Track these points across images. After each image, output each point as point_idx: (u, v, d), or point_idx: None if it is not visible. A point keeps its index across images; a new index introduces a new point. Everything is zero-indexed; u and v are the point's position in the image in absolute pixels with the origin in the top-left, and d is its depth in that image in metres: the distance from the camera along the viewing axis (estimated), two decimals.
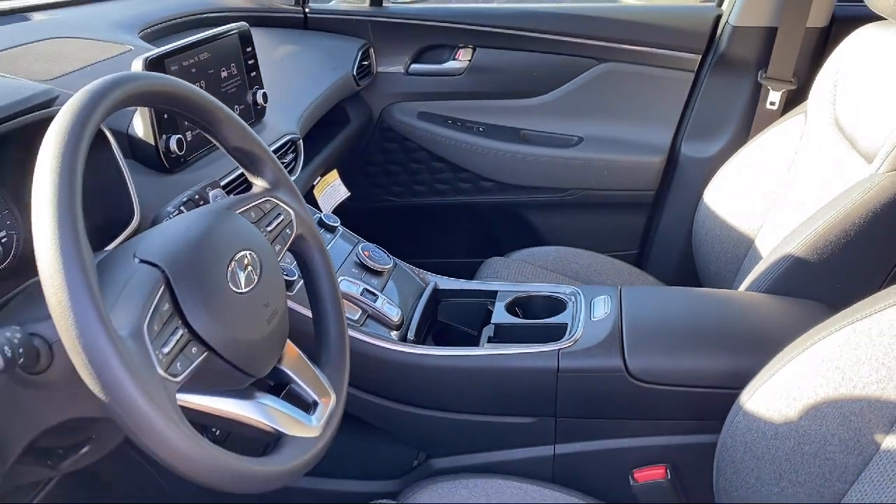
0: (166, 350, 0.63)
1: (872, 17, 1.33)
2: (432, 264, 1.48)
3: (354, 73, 1.87)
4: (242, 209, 0.81)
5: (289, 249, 0.88)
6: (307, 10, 2.03)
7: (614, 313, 1.17)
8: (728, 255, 1.51)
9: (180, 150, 1.07)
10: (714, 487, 0.96)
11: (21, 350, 0.63)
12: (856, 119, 1.28)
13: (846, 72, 1.35)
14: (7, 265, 0.87)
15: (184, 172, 1.10)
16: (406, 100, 2.05)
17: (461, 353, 1.15)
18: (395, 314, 1.22)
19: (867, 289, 0.90)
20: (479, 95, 2.03)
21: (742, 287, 1.29)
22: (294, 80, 1.68)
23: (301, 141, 1.42)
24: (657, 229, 1.97)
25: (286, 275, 1.12)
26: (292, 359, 0.82)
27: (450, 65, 2.03)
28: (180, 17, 1.71)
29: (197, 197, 1.03)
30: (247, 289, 0.73)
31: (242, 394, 0.73)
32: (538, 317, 1.24)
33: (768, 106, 1.80)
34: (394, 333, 1.20)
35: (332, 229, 1.35)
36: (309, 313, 0.92)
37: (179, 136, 1.07)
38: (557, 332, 1.16)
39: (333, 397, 0.83)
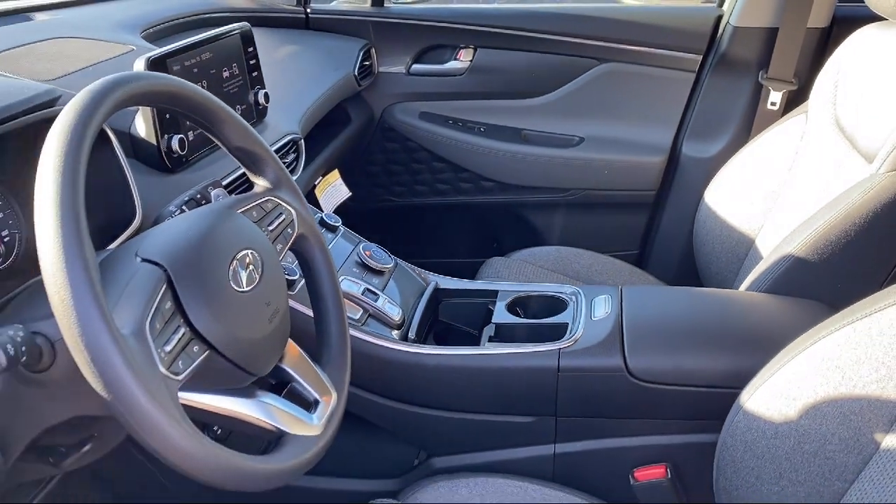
0: (168, 348, 0.64)
1: (873, 18, 1.34)
2: (433, 264, 1.49)
3: (356, 74, 1.87)
4: (244, 208, 0.81)
5: (290, 249, 0.88)
6: (309, 10, 2.03)
7: (615, 313, 1.18)
8: (729, 255, 1.51)
9: (182, 150, 1.07)
10: (714, 487, 0.96)
11: (24, 348, 0.63)
12: (856, 119, 1.28)
13: (847, 72, 1.36)
14: (9, 264, 0.88)
15: (185, 172, 1.10)
16: (407, 100, 2.06)
17: (462, 353, 1.15)
18: (396, 314, 1.22)
19: (867, 289, 0.90)
20: (481, 95, 2.03)
21: (742, 287, 1.29)
22: (295, 80, 1.68)
23: (302, 141, 1.43)
24: (658, 229, 1.97)
25: (288, 274, 1.12)
26: (294, 357, 0.82)
27: (451, 65, 2.03)
28: (182, 18, 1.72)
29: (199, 196, 1.03)
30: (248, 288, 0.74)
31: (244, 392, 0.74)
32: (539, 316, 1.24)
33: (769, 106, 1.80)
34: (395, 333, 1.21)
35: (333, 229, 1.35)
36: (310, 312, 0.92)
37: (181, 135, 1.07)
38: (558, 332, 1.16)
39: (335, 396, 0.83)
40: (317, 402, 0.81)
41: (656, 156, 1.93)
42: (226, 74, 1.25)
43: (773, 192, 1.46)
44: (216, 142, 0.83)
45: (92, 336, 0.57)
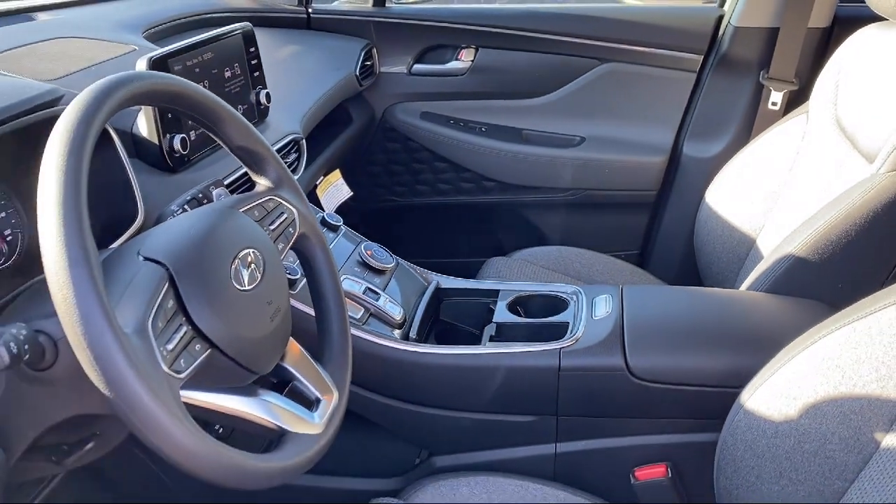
0: (170, 347, 0.64)
1: (874, 18, 1.34)
2: (435, 264, 1.49)
3: (357, 74, 1.88)
4: (246, 208, 0.82)
5: (292, 248, 0.88)
6: (310, 10, 2.04)
7: (615, 312, 1.18)
8: (730, 255, 1.51)
9: (184, 150, 1.07)
10: (714, 486, 0.96)
11: (26, 347, 0.64)
12: (857, 119, 1.28)
13: (848, 72, 1.36)
14: (12, 263, 0.88)
15: (187, 171, 1.10)
16: (409, 100, 2.06)
17: (463, 352, 1.16)
18: (397, 313, 1.22)
19: (868, 288, 0.90)
20: (482, 95, 2.03)
21: (743, 286, 1.29)
22: (297, 80, 1.68)
23: (304, 140, 1.43)
24: (659, 229, 1.97)
25: (289, 273, 1.12)
26: (295, 356, 0.82)
27: (452, 65, 2.04)
28: (184, 18, 1.72)
29: (201, 196, 1.03)
30: (250, 286, 0.74)
31: (245, 391, 0.74)
32: (540, 316, 1.24)
33: (770, 106, 1.80)
34: (396, 332, 1.21)
35: (334, 228, 1.36)
36: (312, 311, 0.93)
37: (183, 135, 1.07)
38: (559, 331, 1.17)
39: (336, 395, 0.83)
40: (318, 401, 0.81)
41: (657, 156, 1.93)
42: (227, 74, 1.25)
43: (774, 192, 1.46)
44: (218, 141, 0.83)
45: (94, 334, 0.57)
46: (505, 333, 1.21)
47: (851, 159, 1.28)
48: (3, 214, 0.88)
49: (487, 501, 1.05)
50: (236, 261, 0.73)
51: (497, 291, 1.31)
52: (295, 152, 1.41)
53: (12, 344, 0.62)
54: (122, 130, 1.04)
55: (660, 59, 1.92)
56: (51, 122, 0.66)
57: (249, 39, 1.32)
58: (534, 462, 1.17)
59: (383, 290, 1.26)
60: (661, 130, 1.94)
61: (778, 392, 0.87)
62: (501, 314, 1.24)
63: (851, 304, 0.86)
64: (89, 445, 0.78)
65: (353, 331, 1.14)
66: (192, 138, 1.10)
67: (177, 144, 1.06)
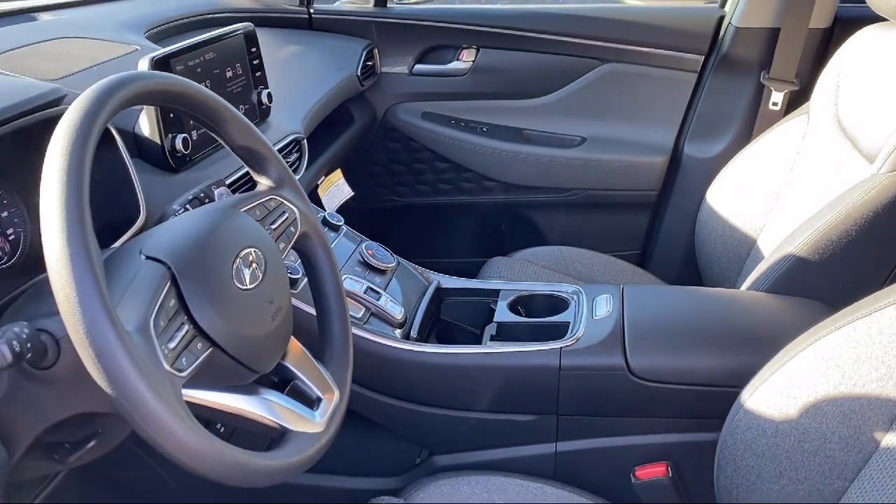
0: (172, 345, 0.64)
1: (874, 18, 1.34)
2: (436, 264, 1.49)
3: (359, 74, 1.88)
4: (247, 207, 0.82)
5: (293, 247, 0.88)
6: (312, 10, 2.04)
7: (616, 312, 1.18)
8: (731, 255, 1.52)
9: (186, 149, 1.08)
10: (715, 485, 0.96)
11: (29, 345, 0.64)
12: (858, 119, 1.28)
13: (848, 72, 1.36)
14: (15, 262, 0.88)
15: (189, 171, 1.10)
16: (410, 100, 2.06)
17: (464, 352, 1.16)
18: (398, 312, 1.22)
19: (868, 288, 0.90)
20: (483, 96, 2.03)
21: (744, 286, 1.29)
22: (299, 80, 1.69)
23: (305, 140, 1.43)
24: (660, 229, 1.97)
25: (291, 273, 1.13)
26: (296, 355, 0.82)
27: (453, 65, 2.04)
28: (186, 18, 1.72)
29: (202, 195, 1.04)
30: (251, 285, 0.74)
31: (247, 389, 0.74)
32: (540, 316, 1.24)
33: (771, 106, 1.81)
34: (397, 331, 1.21)
35: (335, 228, 1.36)
36: (313, 311, 0.93)
37: (185, 135, 1.07)
38: (559, 331, 1.17)
39: (337, 393, 0.83)
40: (319, 400, 0.81)
41: (658, 156, 1.93)
42: (229, 74, 1.25)
43: (775, 192, 1.46)
44: (220, 141, 0.83)
45: (96, 333, 0.57)
46: (505, 333, 1.21)
47: (852, 159, 1.28)
48: (5, 214, 0.88)
49: (488, 500, 1.05)
50: (238, 260, 0.74)
51: (498, 291, 1.31)
52: (296, 152, 1.41)
53: (14, 342, 0.62)
54: (124, 130, 1.04)
55: (661, 60, 1.93)
56: (53, 121, 0.67)
57: (251, 39, 1.32)
58: (534, 461, 1.17)
59: (384, 289, 1.27)
60: (661, 130, 1.94)
61: (778, 391, 0.87)
62: (502, 314, 1.24)
63: (852, 304, 0.86)
64: (91, 444, 0.78)
65: (354, 330, 1.15)
66: (194, 138, 1.11)
67: (178, 144, 1.06)
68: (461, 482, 1.07)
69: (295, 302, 1.10)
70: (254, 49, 1.33)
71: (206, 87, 1.08)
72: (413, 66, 2.05)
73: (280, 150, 1.33)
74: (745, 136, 1.83)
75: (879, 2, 1.26)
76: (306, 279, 0.94)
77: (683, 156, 1.91)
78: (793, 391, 0.86)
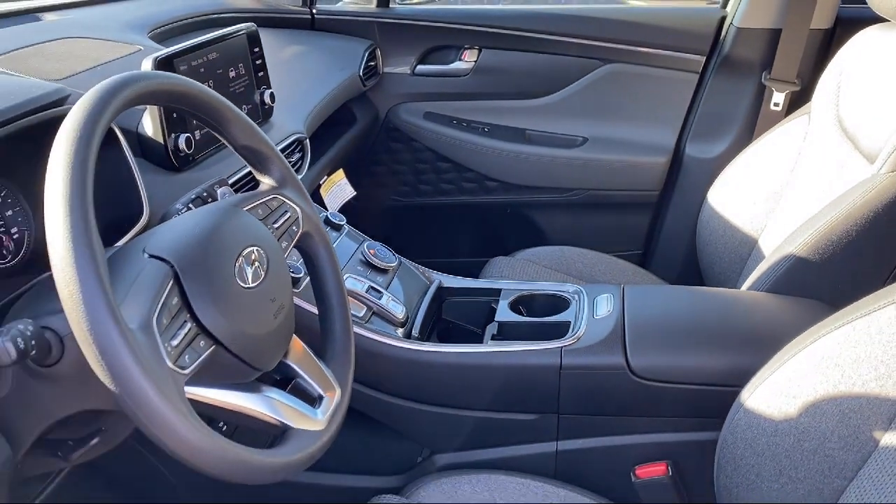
0: (175, 343, 0.64)
1: (876, 19, 1.34)
2: (437, 263, 1.49)
3: (361, 74, 1.88)
4: (250, 206, 0.82)
5: (295, 246, 0.89)
6: (314, 10, 2.04)
7: (617, 311, 1.18)
8: (732, 255, 1.52)
9: (189, 149, 1.08)
10: (715, 484, 0.96)
11: (33, 342, 0.64)
12: (858, 120, 1.29)
13: (849, 73, 1.36)
14: (19, 261, 0.89)
15: (192, 170, 1.11)
16: (412, 100, 2.07)
17: (465, 351, 1.16)
18: (399, 311, 1.23)
19: (869, 288, 0.90)
20: (485, 96, 2.04)
21: (745, 286, 1.29)
22: (301, 80, 1.69)
23: (308, 140, 1.43)
24: (661, 229, 1.98)
25: (293, 272, 1.13)
26: (298, 353, 0.83)
27: (455, 65, 2.04)
28: (189, 18, 1.73)
29: (205, 194, 1.04)
30: (254, 284, 0.75)
31: (249, 387, 0.75)
32: (541, 315, 1.24)
33: (772, 107, 1.81)
34: (399, 331, 1.22)
35: (338, 227, 1.36)
36: (315, 310, 0.93)
37: (188, 134, 1.08)
38: (560, 330, 1.17)
39: (338, 391, 0.84)
40: (321, 398, 0.81)
41: (660, 156, 1.93)
42: (232, 74, 1.26)
43: (776, 192, 1.46)
44: (222, 141, 0.84)
45: (100, 330, 0.57)
46: (507, 332, 1.21)
47: (853, 160, 1.28)
48: (9, 213, 0.89)
49: (489, 499, 1.05)
50: (240, 258, 0.74)
51: (499, 290, 1.31)
52: (299, 152, 1.41)
53: (19, 339, 0.63)
54: (128, 130, 1.04)
55: (662, 60, 1.93)
56: (57, 121, 0.67)
57: (254, 40, 1.33)
58: (535, 460, 1.17)
59: (386, 288, 1.27)
60: (663, 131, 1.94)
61: (778, 391, 0.88)
62: (503, 313, 1.24)
63: (852, 304, 0.87)
64: (94, 441, 0.79)
65: (356, 329, 1.15)
66: (197, 138, 1.11)
67: (182, 144, 1.07)
68: (462, 481, 1.08)
69: (297, 301, 1.11)
70: (256, 49, 1.33)
71: (209, 87, 1.08)
72: (415, 66, 2.05)
73: (282, 150, 1.33)
74: (747, 136, 1.83)
75: (880, 3, 1.26)
76: (308, 278, 0.94)
77: (685, 156, 1.91)
78: (792, 390, 0.86)
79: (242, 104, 1.28)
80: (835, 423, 0.81)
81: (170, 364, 0.63)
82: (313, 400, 0.81)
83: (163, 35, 1.59)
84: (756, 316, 1.19)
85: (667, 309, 1.22)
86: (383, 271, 1.32)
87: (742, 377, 0.94)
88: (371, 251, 1.33)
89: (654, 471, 1.13)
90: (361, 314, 1.19)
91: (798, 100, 1.76)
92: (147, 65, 1.07)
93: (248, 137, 0.84)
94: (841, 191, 1.20)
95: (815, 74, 1.60)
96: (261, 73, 1.34)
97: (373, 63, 1.98)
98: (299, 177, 1.07)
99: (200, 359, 0.67)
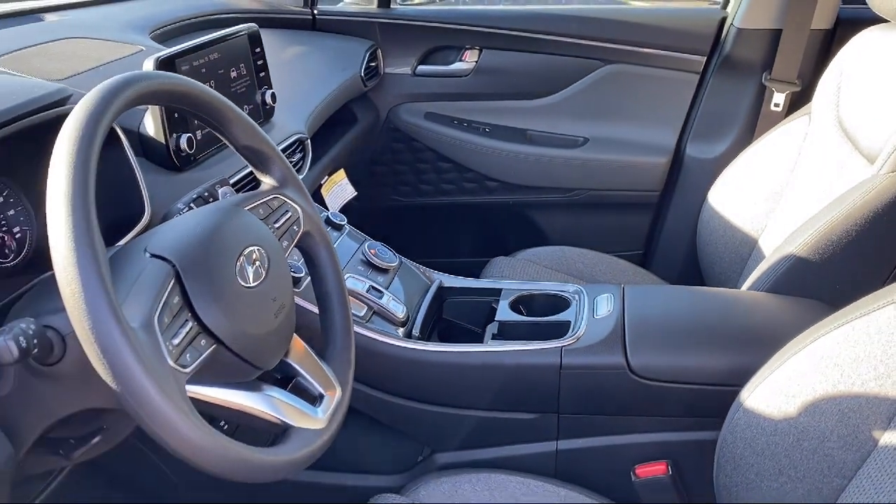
0: (176, 342, 0.65)
1: (876, 20, 1.34)
2: (438, 263, 1.50)
3: (362, 74, 1.89)
4: (251, 206, 0.82)
5: (296, 246, 0.89)
6: (315, 11, 2.04)
7: (617, 311, 1.19)
8: (732, 256, 1.52)
9: (190, 149, 1.08)
10: (714, 483, 0.96)
11: (35, 341, 0.64)
12: (859, 120, 1.29)
13: (850, 74, 1.36)
14: (21, 260, 0.89)
15: (194, 170, 1.11)
16: (413, 100, 2.07)
17: (465, 350, 1.16)
18: (400, 311, 1.23)
19: (868, 288, 0.90)
20: (486, 96, 2.04)
21: (745, 286, 1.29)
22: (302, 80, 1.70)
23: (309, 140, 1.44)
24: (662, 230, 1.98)
25: (293, 271, 1.13)
26: (299, 352, 0.83)
27: (456, 66, 2.04)
28: (190, 19, 1.73)
29: (206, 194, 1.04)
30: (255, 283, 0.75)
31: (250, 386, 0.75)
32: (542, 315, 1.25)
33: (772, 107, 1.81)
34: (399, 330, 1.22)
35: (338, 227, 1.37)
36: (316, 309, 0.94)
37: (189, 134, 1.08)
38: (560, 330, 1.17)
39: (339, 390, 0.84)
40: (321, 396, 0.82)
41: (660, 156, 1.93)
42: (233, 74, 1.26)
43: (777, 192, 1.46)
44: (224, 141, 0.84)
45: (102, 329, 0.58)
46: (507, 332, 1.21)
47: (853, 160, 1.28)
48: (12, 212, 0.89)
49: (489, 498, 1.05)
50: (241, 258, 0.74)
51: (499, 290, 1.32)
52: (300, 152, 1.42)
53: (21, 338, 0.63)
54: (129, 130, 1.05)
55: (663, 61, 1.93)
56: (59, 121, 0.67)
57: (255, 40, 1.33)
58: (535, 459, 1.18)
59: (387, 288, 1.27)
60: (664, 131, 1.94)
61: (777, 390, 0.88)
62: (503, 313, 1.25)
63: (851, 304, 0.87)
64: (96, 439, 0.79)
65: (357, 328, 1.15)
66: (199, 138, 1.11)
67: (183, 144, 1.07)
68: (462, 480, 1.08)
69: (298, 300, 1.11)
70: (258, 49, 1.34)
71: (211, 87, 1.08)
72: (416, 66, 2.05)
73: (284, 150, 1.33)
74: (747, 136, 1.84)
75: (881, 3, 1.27)
76: (309, 278, 0.94)
77: (685, 156, 1.92)
78: (792, 390, 0.86)
79: (244, 104, 1.29)
80: (834, 423, 0.81)
81: (171, 363, 0.63)
82: (314, 399, 0.81)
83: (164, 35, 1.60)
84: (756, 316, 1.19)
85: (667, 309, 1.22)
86: (384, 271, 1.32)
87: (742, 377, 0.95)
88: (372, 251, 1.34)
89: (653, 470, 1.13)
90: (362, 314, 1.20)
91: (798, 100, 1.77)
92: (149, 65, 1.08)
93: (249, 137, 0.84)
94: (841, 191, 1.20)
95: (815, 75, 1.60)
96: (262, 74, 1.34)
97: (374, 63, 1.99)
98: (300, 177, 1.08)
99: (201, 357, 0.67)
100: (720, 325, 1.18)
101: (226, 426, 1.05)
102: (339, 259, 0.94)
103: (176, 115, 1.06)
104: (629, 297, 1.22)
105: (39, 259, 0.90)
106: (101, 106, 0.65)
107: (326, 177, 1.82)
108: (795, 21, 1.75)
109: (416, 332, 1.23)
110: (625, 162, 1.95)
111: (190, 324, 0.67)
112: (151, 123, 1.05)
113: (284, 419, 0.75)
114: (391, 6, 2.06)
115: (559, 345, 1.13)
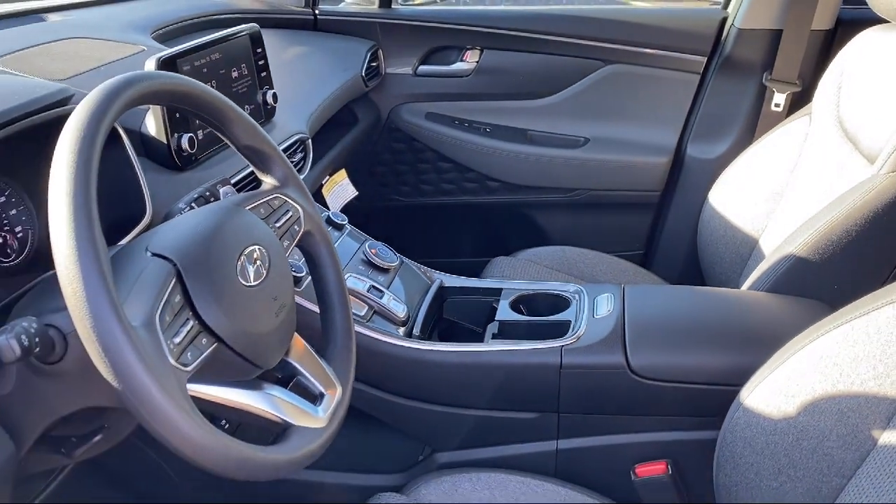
0: (177, 340, 0.65)
1: (876, 20, 1.34)
2: (439, 263, 1.50)
3: (363, 74, 1.89)
4: (252, 205, 0.83)
5: (297, 245, 0.89)
6: (317, 11, 2.05)
7: (617, 311, 1.19)
8: (733, 256, 1.52)
9: (192, 149, 1.09)
10: (714, 483, 0.97)
11: (37, 340, 0.65)
12: (859, 121, 1.29)
13: (850, 74, 1.36)
14: (23, 259, 0.89)
15: (195, 170, 1.11)
16: (414, 101, 2.07)
17: (466, 350, 1.17)
18: (400, 311, 1.23)
19: (868, 288, 0.90)
20: (487, 96, 2.04)
21: (745, 286, 1.30)
22: (303, 80, 1.70)
23: (310, 140, 1.44)
24: (663, 230, 1.98)
25: (294, 271, 1.13)
26: (299, 351, 0.83)
27: (457, 66, 2.05)
28: (192, 19, 1.73)
29: (208, 194, 1.04)
30: (256, 282, 0.75)
31: (250, 384, 0.75)
32: (542, 314, 1.25)
33: (773, 108, 1.81)
34: (400, 329, 1.22)
35: (339, 227, 1.37)
36: (316, 308, 0.94)
37: (191, 134, 1.08)
38: (561, 330, 1.18)
39: (339, 389, 0.84)
40: (322, 395, 0.82)
41: (661, 156, 1.94)
42: (235, 74, 1.26)
43: (777, 192, 1.47)
44: (225, 140, 0.84)
45: (103, 327, 0.58)
46: (507, 331, 1.22)
47: (853, 160, 1.28)
48: (13, 212, 0.89)
49: (489, 497, 1.06)
50: (242, 257, 0.75)
51: (500, 290, 1.32)
52: (301, 152, 1.42)
53: (23, 337, 0.63)
54: (131, 129, 1.05)
55: (664, 61, 1.93)
56: (61, 120, 0.68)
57: (256, 40, 1.33)
58: (535, 459, 1.18)
59: (387, 288, 1.28)
60: (664, 131, 1.94)
61: (777, 390, 0.88)
62: (504, 312, 1.25)
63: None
64: (97, 438, 0.79)
65: (358, 328, 1.15)
66: (200, 137, 1.12)
67: (184, 143, 1.07)
68: (463, 479, 1.08)
69: (298, 299, 1.11)
70: (259, 50, 1.34)
71: (212, 87, 1.08)
72: (417, 66, 2.05)
73: (285, 150, 1.33)
74: (748, 137, 1.84)
75: (881, 4, 1.27)
76: (310, 278, 0.94)
77: (686, 156, 1.92)
78: (791, 389, 0.86)
79: (245, 104, 1.29)
80: (833, 422, 0.81)
81: (172, 361, 0.63)
82: (314, 398, 0.81)
83: (166, 35, 1.60)
84: (756, 315, 1.19)
85: (667, 308, 1.23)
86: (385, 271, 1.32)
87: (742, 376, 0.95)
88: (372, 251, 1.34)
89: (653, 469, 1.13)
90: (363, 313, 1.20)
91: (799, 100, 1.77)
92: (150, 65, 1.08)
93: (250, 137, 0.84)
94: (842, 191, 1.20)
95: (816, 75, 1.60)
96: (263, 74, 1.35)
97: (375, 64, 1.99)
98: (301, 177, 1.08)
99: (202, 356, 0.67)
100: (720, 324, 1.18)
101: (227, 425, 1.05)
102: (339, 258, 0.94)
103: (177, 114, 1.07)
104: (629, 297, 1.22)
105: (41, 258, 0.90)
106: (102, 106, 0.66)
107: (327, 177, 1.82)
108: (796, 21, 1.75)
109: (416, 331, 1.23)
110: (625, 162, 1.95)
111: (191, 323, 0.68)
112: (153, 123, 1.06)
113: (285, 418, 0.75)
114: (392, 6, 2.06)
115: (559, 344, 1.13)
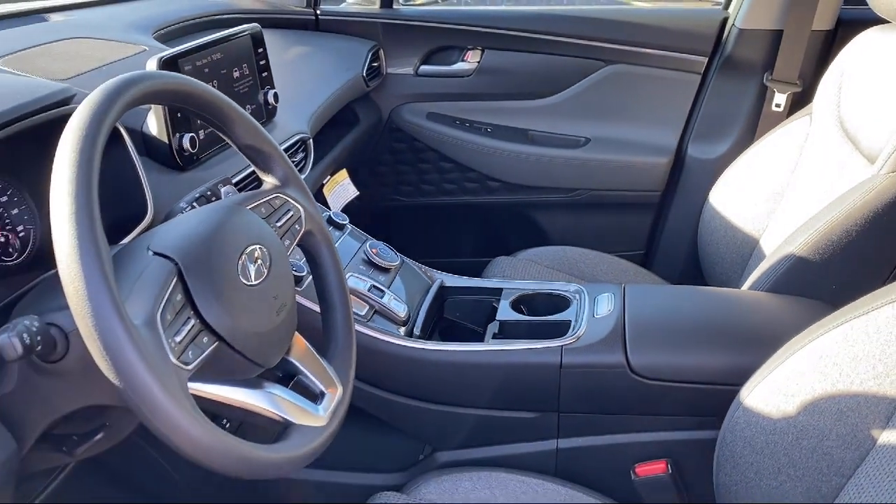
0: (178, 339, 0.65)
1: (876, 21, 1.35)
2: (439, 263, 1.50)
3: (364, 74, 1.89)
4: (253, 205, 0.83)
5: (298, 245, 0.89)
6: (318, 11, 2.05)
7: (617, 311, 1.19)
8: (733, 256, 1.52)
9: (193, 148, 1.09)
10: (714, 482, 0.97)
11: (39, 338, 0.65)
12: (859, 121, 1.29)
13: (851, 74, 1.36)
14: (25, 258, 0.90)
15: (196, 170, 1.12)
16: (415, 101, 2.07)
17: (466, 349, 1.17)
18: (401, 310, 1.23)
19: (868, 288, 0.90)
20: (488, 96, 2.04)
21: (745, 286, 1.30)
22: (305, 80, 1.70)
23: (311, 140, 1.44)
24: (663, 230, 1.98)
25: (295, 270, 1.14)
26: (300, 350, 0.83)
27: (458, 66, 2.05)
28: (193, 19, 1.74)
29: (209, 193, 1.05)
30: (257, 281, 0.75)
31: (251, 383, 0.75)
32: (542, 314, 1.25)
33: (774, 108, 1.81)
34: (400, 329, 1.22)
35: (340, 227, 1.37)
36: (317, 308, 0.94)
37: (192, 134, 1.09)
38: (561, 329, 1.18)
39: (340, 388, 0.84)
40: (323, 394, 0.82)
41: (662, 157, 1.94)
42: (236, 74, 1.27)
43: (778, 192, 1.47)
44: (226, 140, 0.84)
45: (105, 326, 0.58)
46: (508, 331, 1.22)
47: (854, 160, 1.28)
48: (15, 211, 0.89)
49: (489, 496, 1.06)
50: (243, 256, 0.75)
51: (500, 290, 1.32)
52: (302, 152, 1.42)
53: (25, 335, 0.64)
54: (133, 129, 1.05)
55: (665, 61, 1.93)
56: (63, 120, 0.68)
57: (258, 40, 1.34)
58: (535, 458, 1.18)
59: (388, 287, 1.28)
60: (665, 131, 1.94)
61: (776, 389, 0.88)
62: (504, 312, 1.25)
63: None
64: (99, 436, 0.79)
65: (358, 327, 1.16)
66: (201, 137, 1.12)
67: (186, 143, 1.07)
68: (463, 478, 1.08)
69: (299, 299, 1.12)
70: (260, 50, 1.34)
71: (214, 87, 1.09)
72: (418, 66, 2.06)
73: (286, 150, 1.34)
74: (749, 137, 1.84)
75: (881, 4, 1.27)
76: (311, 277, 0.95)
77: (687, 157, 1.92)
78: (791, 389, 0.86)
79: (246, 104, 1.29)
80: (833, 422, 0.82)
81: (173, 360, 0.63)
82: (315, 396, 0.82)
83: (167, 35, 1.60)
84: (756, 315, 1.19)
85: (667, 308, 1.23)
86: (385, 270, 1.32)
87: (742, 376, 0.95)
88: (373, 250, 1.34)
89: (653, 469, 1.13)
90: (363, 312, 1.20)
91: (800, 101, 1.77)
92: (152, 65, 1.08)
93: (251, 137, 0.85)
94: (842, 191, 1.20)
95: (816, 75, 1.60)
96: (265, 74, 1.35)
97: (376, 64, 1.99)
98: (302, 176, 1.08)
99: (203, 355, 0.68)
100: (720, 324, 1.18)
101: (228, 424, 1.06)
102: (340, 258, 0.94)
103: (179, 114, 1.07)
104: (629, 297, 1.22)
105: (43, 257, 0.90)
106: (104, 105, 0.66)
107: (328, 177, 1.82)
108: (796, 22, 1.75)
109: (417, 331, 1.23)
110: (626, 162, 1.95)
111: (192, 321, 0.68)
112: (154, 123, 1.06)
113: (286, 416, 0.75)
114: (393, 6, 2.07)
115: (560, 344, 1.14)
